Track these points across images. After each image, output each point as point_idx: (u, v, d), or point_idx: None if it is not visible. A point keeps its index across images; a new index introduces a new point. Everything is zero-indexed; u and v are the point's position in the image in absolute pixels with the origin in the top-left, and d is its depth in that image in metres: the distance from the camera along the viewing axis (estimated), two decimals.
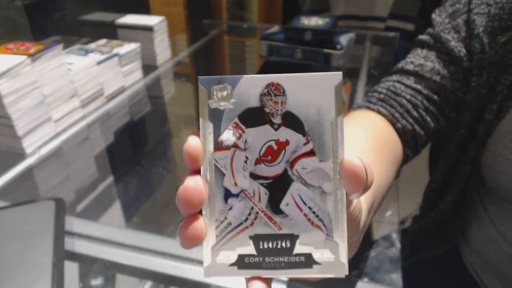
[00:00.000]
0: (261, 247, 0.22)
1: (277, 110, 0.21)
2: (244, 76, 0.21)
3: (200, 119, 0.21)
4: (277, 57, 0.97)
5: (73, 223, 0.47)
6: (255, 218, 0.22)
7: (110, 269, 0.43)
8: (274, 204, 0.22)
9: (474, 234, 0.54)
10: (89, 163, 0.69)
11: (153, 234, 0.46)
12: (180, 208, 0.21)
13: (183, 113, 0.95)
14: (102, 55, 0.80)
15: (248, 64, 1.29)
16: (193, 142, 0.21)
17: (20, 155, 0.64)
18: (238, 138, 0.21)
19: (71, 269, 0.42)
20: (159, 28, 0.99)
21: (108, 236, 0.45)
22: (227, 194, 0.22)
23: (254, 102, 0.21)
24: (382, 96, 0.47)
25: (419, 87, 0.46)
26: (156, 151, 0.75)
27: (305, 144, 0.21)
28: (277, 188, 0.22)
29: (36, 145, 0.66)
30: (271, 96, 0.21)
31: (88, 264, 0.43)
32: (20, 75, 0.61)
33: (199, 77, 0.21)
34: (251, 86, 0.21)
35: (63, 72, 0.69)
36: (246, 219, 0.22)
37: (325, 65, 0.94)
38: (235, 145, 0.21)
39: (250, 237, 0.22)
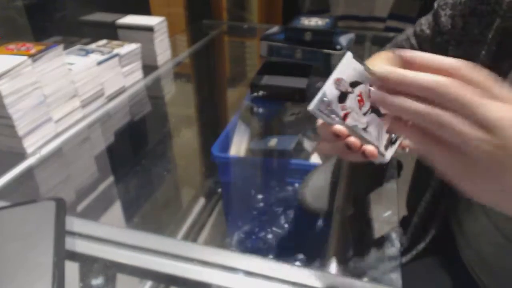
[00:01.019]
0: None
1: (347, 88, 0.36)
2: (324, 88, 0.36)
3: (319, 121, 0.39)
4: (277, 57, 0.97)
5: (74, 223, 0.47)
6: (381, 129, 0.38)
7: (111, 269, 0.43)
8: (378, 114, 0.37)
9: (467, 226, 0.54)
10: (89, 163, 0.70)
11: (154, 233, 0.46)
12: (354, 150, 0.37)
13: (183, 113, 0.95)
14: (102, 55, 0.80)
15: (248, 64, 1.30)
16: (338, 128, 0.36)
17: (21, 155, 0.64)
18: (346, 108, 0.36)
19: (71, 269, 0.42)
20: (160, 28, 0.99)
21: (108, 235, 0.45)
22: (365, 129, 0.37)
23: (337, 92, 0.36)
24: (394, 48, 0.62)
25: (417, 48, 0.59)
26: (156, 151, 0.75)
27: (365, 86, 0.37)
28: (377, 109, 0.37)
29: (36, 145, 0.66)
30: (341, 86, 0.36)
31: (88, 264, 0.44)
32: (21, 76, 0.61)
33: (312, 108, 0.36)
34: (331, 89, 0.36)
35: (64, 73, 0.69)
36: (379, 132, 0.38)
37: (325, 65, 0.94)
38: (347, 114, 0.37)
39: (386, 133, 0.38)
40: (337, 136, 0.36)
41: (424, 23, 0.59)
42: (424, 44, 0.59)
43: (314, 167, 0.60)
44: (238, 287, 0.39)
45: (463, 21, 0.50)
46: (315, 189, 0.58)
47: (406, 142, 0.38)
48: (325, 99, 0.36)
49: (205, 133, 0.96)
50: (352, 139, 0.36)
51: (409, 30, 0.63)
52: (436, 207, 0.58)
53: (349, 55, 0.36)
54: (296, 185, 0.62)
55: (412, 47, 0.60)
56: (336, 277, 0.41)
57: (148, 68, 0.97)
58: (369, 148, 0.37)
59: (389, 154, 0.39)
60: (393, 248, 0.48)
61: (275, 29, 1.03)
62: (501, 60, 0.45)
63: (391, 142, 0.39)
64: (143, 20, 0.99)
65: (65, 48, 0.75)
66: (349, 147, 0.36)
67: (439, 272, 0.59)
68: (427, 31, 0.57)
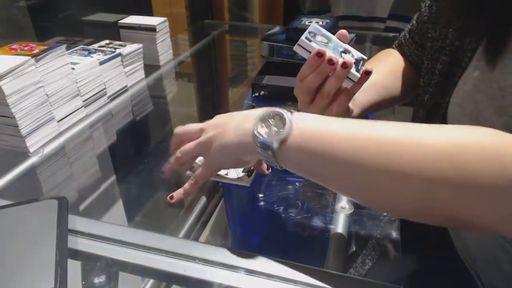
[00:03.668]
0: None
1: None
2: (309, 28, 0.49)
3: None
4: (278, 57, 0.98)
5: (76, 222, 0.48)
6: None
7: (113, 267, 0.43)
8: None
9: None
10: (92, 162, 0.70)
11: (156, 232, 0.46)
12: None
13: (185, 112, 0.95)
14: (105, 55, 0.80)
15: (249, 64, 1.30)
16: (320, 48, 0.47)
17: (24, 154, 0.64)
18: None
19: (74, 267, 0.43)
20: (162, 28, 0.99)
21: (110, 234, 0.46)
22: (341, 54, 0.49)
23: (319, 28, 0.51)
24: (397, 42, 0.70)
25: (410, 40, 0.66)
26: (158, 150, 0.76)
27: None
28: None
29: (39, 144, 0.66)
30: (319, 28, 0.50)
31: (91, 262, 0.44)
32: (24, 75, 0.62)
33: (301, 39, 0.49)
34: (314, 27, 0.49)
35: (67, 72, 0.70)
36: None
37: None
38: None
39: None
40: (320, 56, 0.45)
41: (415, 17, 0.65)
42: (415, 36, 0.65)
43: None
44: (239, 285, 0.40)
45: (436, 5, 0.56)
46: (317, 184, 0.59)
47: (368, 67, 0.47)
48: (310, 31, 0.46)
49: None
50: (332, 55, 0.45)
51: (408, 27, 0.69)
52: None
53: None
54: (297, 183, 0.63)
55: (406, 41, 0.67)
56: (338, 275, 0.41)
57: (150, 67, 0.98)
58: (346, 58, 0.46)
59: (356, 76, 0.47)
60: (394, 244, 0.48)
61: (276, 29, 1.03)
62: (467, 36, 0.50)
63: (356, 70, 0.47)
64: (145, 20, 1.00)
65: (68, 48, 0.76)
66: (331, 61, 0.45)
67: (438, 267, 0.60)
68: (415, 24, 0.64)
